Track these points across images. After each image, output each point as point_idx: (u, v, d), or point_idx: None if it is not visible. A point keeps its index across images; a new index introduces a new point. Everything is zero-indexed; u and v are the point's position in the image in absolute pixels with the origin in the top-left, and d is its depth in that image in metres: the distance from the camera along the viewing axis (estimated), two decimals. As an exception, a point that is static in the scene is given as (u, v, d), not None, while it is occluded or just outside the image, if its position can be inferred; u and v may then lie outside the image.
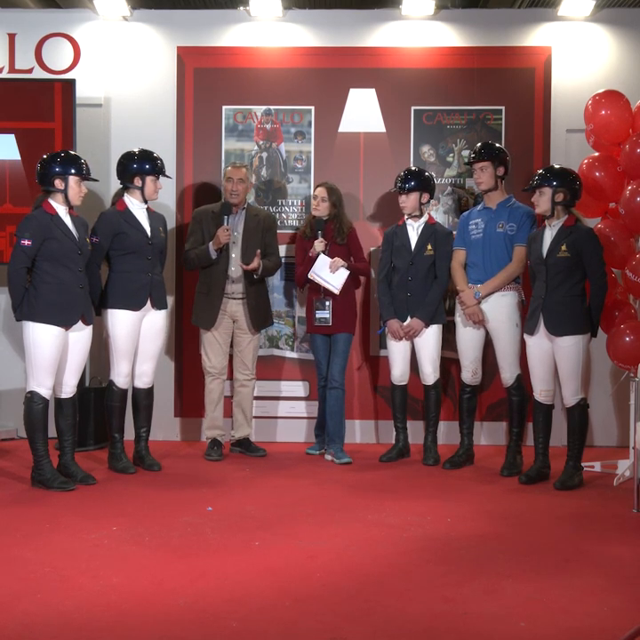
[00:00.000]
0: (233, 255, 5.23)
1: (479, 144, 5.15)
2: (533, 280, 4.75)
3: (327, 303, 5.23)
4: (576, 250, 4.51)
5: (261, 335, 5.75)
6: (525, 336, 4.75)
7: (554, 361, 4.63)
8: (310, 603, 2.87)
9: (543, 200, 4.60)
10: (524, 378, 4.98)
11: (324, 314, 5.23)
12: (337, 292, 5.19)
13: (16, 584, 3.01)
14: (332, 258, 5.21)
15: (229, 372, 5.43)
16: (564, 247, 4.52)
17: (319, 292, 5.25)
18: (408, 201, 5.17)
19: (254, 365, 5.41)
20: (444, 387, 5.69)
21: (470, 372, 5.10)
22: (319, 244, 5.23)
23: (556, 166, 4.76)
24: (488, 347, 5.16)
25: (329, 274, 5.19)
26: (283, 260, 5.73)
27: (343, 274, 5.19)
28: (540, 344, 4.64)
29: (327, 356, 5.32)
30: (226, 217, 5.14)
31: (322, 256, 5.21)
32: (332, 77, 5.87)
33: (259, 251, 5.19)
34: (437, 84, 5.85)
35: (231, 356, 5.40)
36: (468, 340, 5.08)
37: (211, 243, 5.13)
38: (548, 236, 4.62)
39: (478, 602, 2.88)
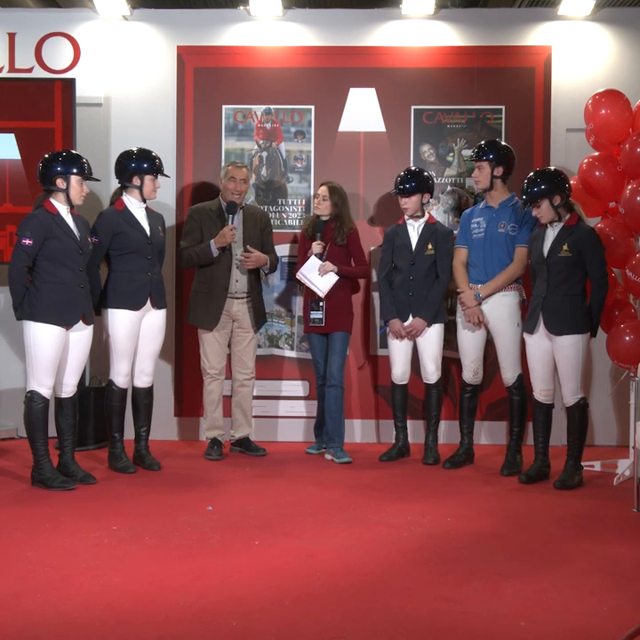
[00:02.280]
0: (236, 254, 5.23)
1: (482, 142, 5.12)
2: (534, 279, 4.74)
3: (321, 304, 5.23)
4: (577, 249, 4.51)
5: (261, 335, 5.76)
6: (525, 335, 4.75)
7: (553, 360, 4.63)
8: (310, 602, 2.87)
9: (545, 210, 4.57)
10: (525, 377, 4.98)
11: (318, 314, 5.23)
12: (322, 295, 5.20)
13: (16, 583, 3.01)
14: (331, 259, 5.22)
15: (228, 371, 5.43)
16: (565, 247, 4.52)
17: (314, 293, 5.25)
18: (410, 202, 5.16)
19: (254, 365, 5.41)
20: (445, 386, 5.69)
21: (471, 371, 5.10)
22: (316, 247, 5.24)
23: (539, 174, 4.64)
24: (489, 346, 5.16)
25: (317, 276, 5.20)
26: (283, 260, 5.76)
27: (331, 278, 5.20)
28: (539, 343, 4.64)
29: (324, 355, 5.33)
30: (231, 216, 5.14)
31: (313, 258, 5.22)
32: (331, 77, 5.87)
33: (248, 246, 5.24)
34: (437, 84, 5.85)
35: (229, 356, 5.40)
36: (470, 340, 5.07)
37: (212, 241, 5.13)
38: (550, 235, 4.61)
39: (478, 601, 2.88)
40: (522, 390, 4.99)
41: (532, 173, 4.69)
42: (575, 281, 4.55)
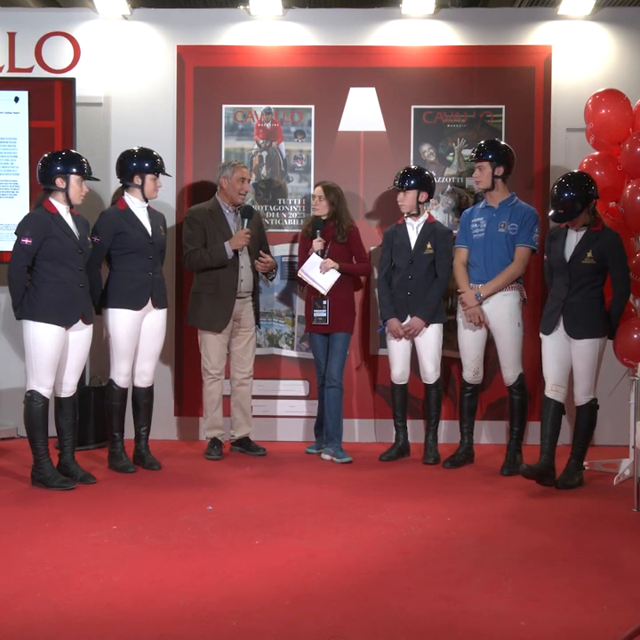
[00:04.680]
0: (241, 254, 5.23)
1: (482, 142, 5.11)
2: (550, 277, 4.71)
3: (325, 302, 5.23)
4: (601, 255, 4.46)
5: (261, 334, 5.76)
6: (541, 335, 4.70)
7: (570, 359, 4.60)
8: (310, 602, 2.87)
9: (581, 219, 4.48)
10: (526, 377, 4.99)
11: (322, 313, 5.24)
12: (325, 292, 5.21)
13: (16, 583, 3.01)
14: (332, 257, 5.23)
15: (226, 371, 5.42)
16: (590, 254, 4.45)
17: (317, 291, 5.25)
18: (405, 199, 5.17)
19: (252, 364, 5.41)
20: (445, 386, 5.69)
21: (472, 371, 5.09)
22: (317, 244, 5.25)
23: (570, 179, 4.50)
24: (489, 346, 5.16)
25: (318, 274, 5.20)
26: (283, 260, 5.77)
27: (333, 275, 5.20)
28: (556, 342, 4.59)
29: (325, 355, 5.33)
30: (247, 220, 5.15)
31: (314, 256, 5.23)
32: (332, 76, 5.86)
33: (261, 251, 5.28)
34: (437, 83, 5.84)
35: (227, 356, 5.39)
36: (470, 340, 5.07)
37: (227, 243, 5.12)
38: (573, 238, 4.54)
39: (478, 601, 2.89)
40: (522, 390, 4.99)
41: (561, 187, 4.46)
42: (596, 285, 4.53)
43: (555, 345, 4.62)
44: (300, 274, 5.27)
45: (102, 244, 4.76)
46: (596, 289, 4.54)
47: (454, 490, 4.52)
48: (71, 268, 4.43)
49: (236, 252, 5.16)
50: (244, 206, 5.24)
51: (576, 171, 4.75)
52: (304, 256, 5.36)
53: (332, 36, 5.90)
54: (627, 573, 3.20)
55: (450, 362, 5.68)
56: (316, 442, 5.50)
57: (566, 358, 4.62)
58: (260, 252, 5.27)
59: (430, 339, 5.17)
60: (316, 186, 5.40)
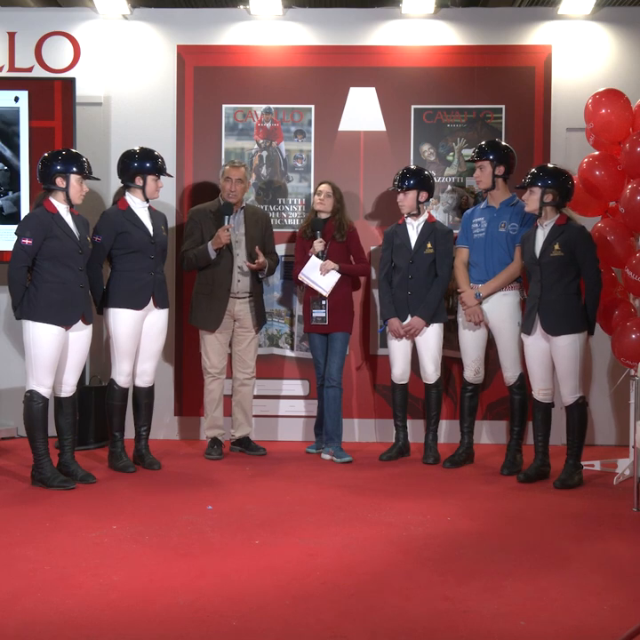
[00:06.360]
0: (237, 255, 5.23)
1: (483, 142, 5.13)
2: (529, 279, 4.74)
3: (323, 302, 5.23)
4: (569, 248, 4.51)
5: (261, 334, 5.76)
6: (523, 336, 4.75)
7: (551, 360, 4.63)
8: (310, 601, 2.87)
9: (532, 199, 4.61)
10: (525, 377, 4.99)
11: (321, 313, 5.24)
12: (326, 294, 5.21)
13: (16, 583, 3.01)
14: (331, 256, 5.23)
15: (228, 371, 5.43)
16: (557, 246, 4.52)
17: (316, 292, 5.25)
18: (406, 199, 5.17)
19: (254, 364, 5.41)
20: (445, 386, 5.69)
21: (472, 370, 5.10)
22: (318, 244, 5.24)
23: (549, 166, 4.76)
24: (489, 346, 5.16)
25: (319, 276, 5.21)
26: (282, 259, 5.77)
27: (334, 277, 5.21)
28: (537, 344, 4.64)
29: (325, 354, 5.33)
30: (227, 217, 5.13)
31: (313, 258, 5.23)
32: (332, 76, 5.87)
33: (257, 247, 5.22)
34: (437, 83, 5.85)
35: (229, 356, 5.40)
36: (471, 339, 5.07)
37: (210, 242, 5.13)
38: (541, 235, 4.62)
39: (478, 600, 2.88)
40: (523, 389, 4.99)
41: (548, 164, 4.92)
42: (569, 280, 4.55)
43: (535, 348, 4.66)
44: (301, 277, 5.26)
45: (103, 243, 4.76)
46: (571, 284, 4.56)
47: (454, 490, 4.52)
48: (71, 268, 4.43)
49: (220, 251, 5.13)
50: (223, 203, 5.21)
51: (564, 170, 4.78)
52: (302, 256, 5.35)
53: (332, 35, 5.90)
54: (627, 573, 3.20)
55: (450, 362, 5.68)
56: (316, 442, 5.50)
57: (548, 360, 4.65)
58: (256, 249, 5.21)
59: (431, 339, 5.17)
60: (321, 183, 5.39)
